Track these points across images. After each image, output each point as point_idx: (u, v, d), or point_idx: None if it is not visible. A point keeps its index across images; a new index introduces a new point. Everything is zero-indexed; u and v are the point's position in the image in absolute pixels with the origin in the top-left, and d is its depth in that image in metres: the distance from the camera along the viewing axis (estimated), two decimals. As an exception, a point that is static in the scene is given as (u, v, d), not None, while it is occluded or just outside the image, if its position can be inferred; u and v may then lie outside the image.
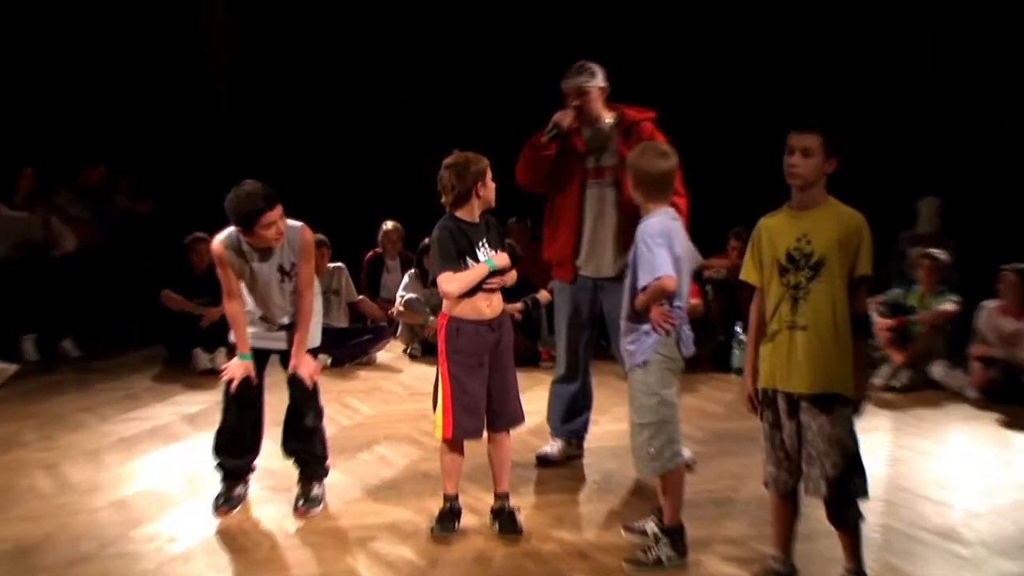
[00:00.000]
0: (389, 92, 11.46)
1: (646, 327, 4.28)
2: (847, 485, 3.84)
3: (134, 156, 10.27)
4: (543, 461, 5.62)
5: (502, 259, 4.61)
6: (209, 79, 11.18)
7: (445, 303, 4.61)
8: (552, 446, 5.72)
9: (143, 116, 10.68)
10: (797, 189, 3.85)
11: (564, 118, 5.28)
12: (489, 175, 4.55)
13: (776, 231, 3.89)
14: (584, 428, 5.74)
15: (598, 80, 5.36)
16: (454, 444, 4.63)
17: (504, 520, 4.67)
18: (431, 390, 4.75)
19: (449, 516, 4.65)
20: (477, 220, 4.59)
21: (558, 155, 5.33)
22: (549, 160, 5.32)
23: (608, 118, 5.41)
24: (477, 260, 4.54)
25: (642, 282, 4.21)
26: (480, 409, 4.57)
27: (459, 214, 4.55)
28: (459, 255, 4.51)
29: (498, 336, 4.60)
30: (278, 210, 4.68)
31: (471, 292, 4.54)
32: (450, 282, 4.52)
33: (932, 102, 9.54)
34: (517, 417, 4.72)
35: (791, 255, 3.83)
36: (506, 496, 4.72)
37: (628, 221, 5.15)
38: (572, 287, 5.51)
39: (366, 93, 11.36)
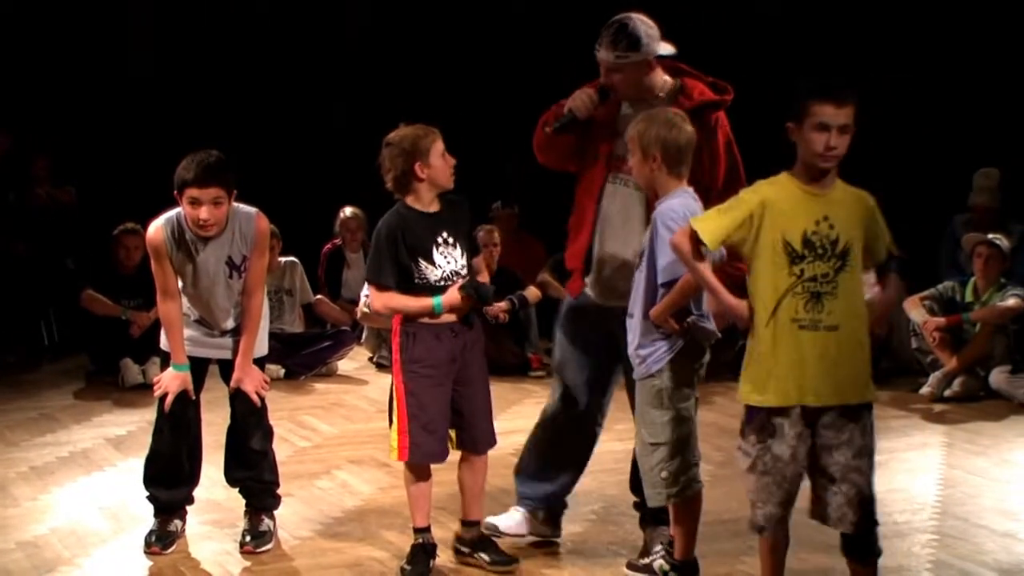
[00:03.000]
0: (347, 53, 11.43)
1: (662, 330, 4.25)
2: (875, 508, 3.86)
3: (47, 131, 10.20)
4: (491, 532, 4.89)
5: (452, 296, 4.44)
6: (133, 37, 11.11)
7: None
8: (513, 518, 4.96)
9: (56, 83, 10.60)
10: (823, 172, 3.79)
11: (583, 105, 4.64)
12: (436, 152, 4.44)
13: (785, 207, 3.79)
14: (565, 492, 5.02)
15: (641, 50, 4.56)
16: (419, 468, 4.60)
17: (491, 550, 4.67)
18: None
19: (422, 554, 4.63)
20: (435, 208, 4.52)
21: (586, 130, 4.72)
22: (569, 145, 4.76)
23: (664, 90, 4.71)
24: (433, 263, 4.47)
25: (669, 275, 4.14)
26: (442, 429, 4.54)
27: (410, 202, 4.50)
28: (410, 256, 4.45)
29: (463, 342, 4.55)
30: (210, 193, 4.62)
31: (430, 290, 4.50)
32: (379, 299, 4.51)
33: (990, 54, 9.53)
34: (491, 438, 4.72)
35: (809, 240, 3.77)
36: (479, 524, 4.73)
37: None
38: (578, 304, 4.86)
39: (320, 55, 11.32)
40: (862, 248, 3.81)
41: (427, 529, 4.66)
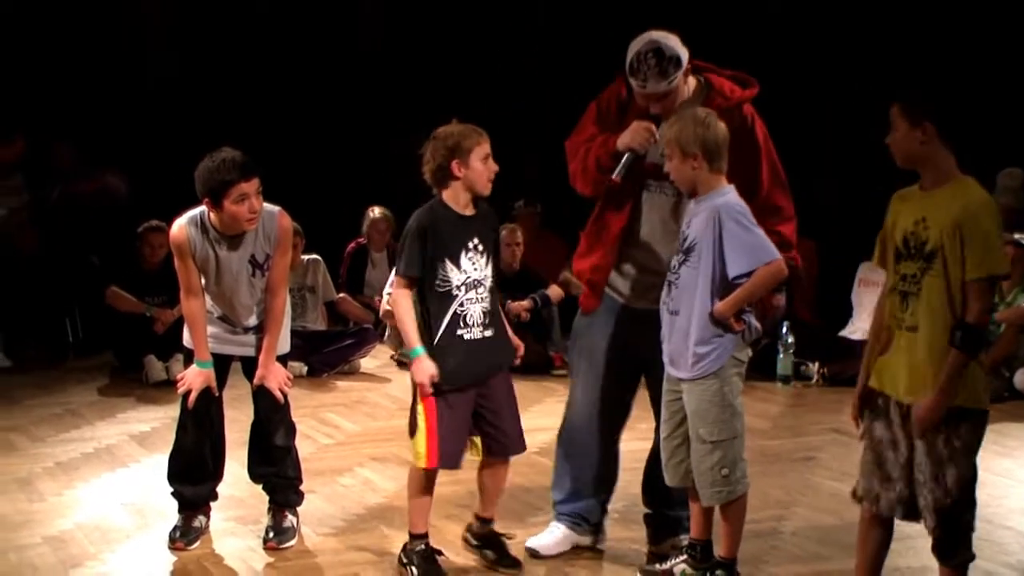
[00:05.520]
0: (369, 52, 11.44)
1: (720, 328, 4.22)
2: (961, 517, 3.81)
3: (72, 128, 10.24)
4: (533, 556, 4.85)
5: (427, 367, 4.34)
6: (157, 36, 11.14)
7: None
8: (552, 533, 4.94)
9: (82, 81, 10.63)
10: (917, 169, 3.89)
11: (644, 141, 4.42)
12: (478, 155, 4.36)
13: (901, 210, 3.91)
14: (606, 503, 5.00)
15: (683, 65, 4.38)
16: (433, 475, 4.56)
17: (499, 549, 4.67)
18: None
19: (432, 560, 4.59)
20: (471, 212, 4.45)
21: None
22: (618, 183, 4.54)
23: (691, 91, 4.53)
24: (459, 266, 4.40)
25: (745, 267, 4.14)
26: (465, 435, 4.53)
27: (446, 198, 4.44)
28: (436, 255, 4.37)
29: (497, 356, 4.55)
30: (255, 184, 4.69)
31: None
32: (396, 294, 4.45)
33: (1012, 52, 9.48)
34: (521, 443, 4.68)
35: (907, 239, 3.83)
36: (492, 521, 4.73)
37: None
38: (595, 319, 4.74)
39: (344, 48, 11.33)
40: (961, 256, 3.71)
41: (427, 535, 4.62)
